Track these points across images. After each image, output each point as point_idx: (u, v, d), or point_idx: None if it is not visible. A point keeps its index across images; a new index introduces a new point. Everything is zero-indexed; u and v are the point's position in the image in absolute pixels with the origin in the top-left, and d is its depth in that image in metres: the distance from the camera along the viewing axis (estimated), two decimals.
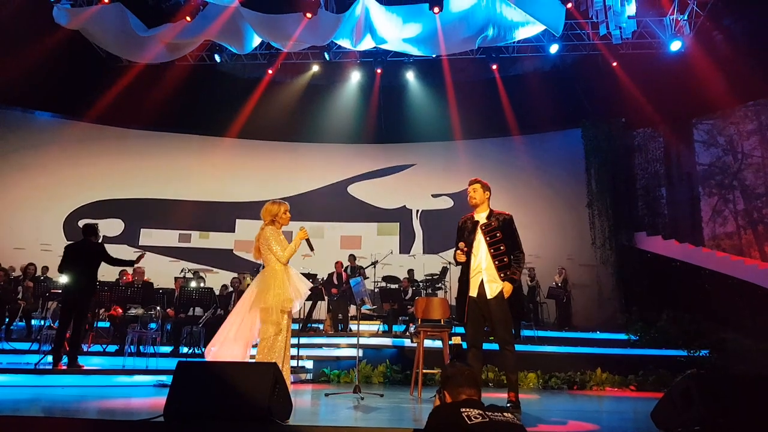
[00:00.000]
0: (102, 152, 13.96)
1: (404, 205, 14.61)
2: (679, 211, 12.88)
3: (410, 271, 12.06)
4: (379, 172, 14.99)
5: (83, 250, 6.90)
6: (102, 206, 13.42)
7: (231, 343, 4.49)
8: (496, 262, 4.55)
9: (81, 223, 12.69)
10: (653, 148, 13.40)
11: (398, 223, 14.53)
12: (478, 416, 2.28)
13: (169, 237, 14.00)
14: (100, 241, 7.20)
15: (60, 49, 11.64)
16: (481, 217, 4.74)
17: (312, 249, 4.85)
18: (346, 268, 11.67)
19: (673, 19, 11.91)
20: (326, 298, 10.73)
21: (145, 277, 9.32)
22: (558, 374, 8.37)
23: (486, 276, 4.57)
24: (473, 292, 4.59)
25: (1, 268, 9.56)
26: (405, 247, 14.32)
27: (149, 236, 13.81)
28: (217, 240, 14.25)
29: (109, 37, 12.21)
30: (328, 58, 13.56)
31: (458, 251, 4.68)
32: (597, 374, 8.39)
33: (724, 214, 12.08)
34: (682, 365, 8.51)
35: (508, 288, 4.47)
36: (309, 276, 11.27)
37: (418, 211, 14.48)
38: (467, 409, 2.34)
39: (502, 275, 4.52)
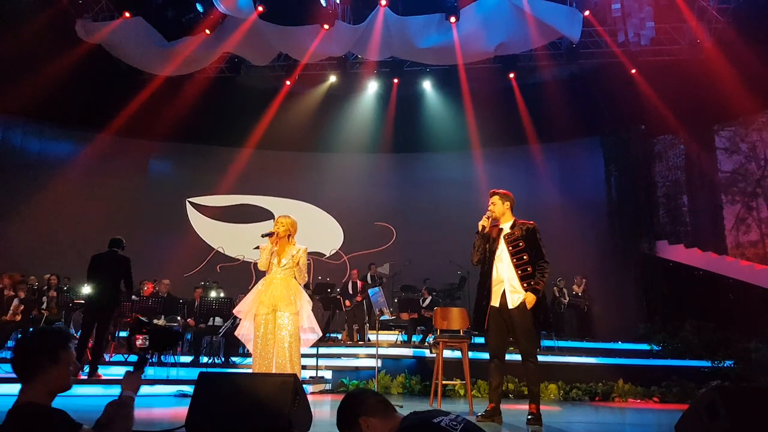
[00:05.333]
0: (123, 164, 14.17)
1: None
2: (701, 219, 12.67)
3: (426, 280, 12.02)
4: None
5: (108, 261, 6.96)
6: (121, 215, 13.52)
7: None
8: (519, 272, 4.52)
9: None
10: (674, 155, 13.23)
11: None
12: (453, 422, 2.07)
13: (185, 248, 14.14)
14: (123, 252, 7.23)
15: (82, 62, 11.85)
16: (505, 226, 4.72)
17: (269, 235, 5.08)
18: (364, 276, 11.69)
19: (692, 25, 11.78)
20: (344, 308, 10.74)
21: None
22: (579, 385, 8.28)
23: (508, 286, 4.53)
24: (495, 301, 4.56)
25: (24, 279, 9.72)
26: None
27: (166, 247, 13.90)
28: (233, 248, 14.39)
29: (131, 50, 12.43)
30: (350, 69, 13.61)
31: (484, 216, 4.72)
32: (619, 385, 8.28)
33: (747, 222, 11.87)
34: (706, 376, 8.37)
35: (530, 299, 4.42)
36: (327, 286, 11.33)
37: None
38: (438, 417, 2.10)
39: (525, 285, 4.48)
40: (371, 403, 2.28)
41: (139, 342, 2.52)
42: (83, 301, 8.10)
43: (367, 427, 2.23)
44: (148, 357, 2.46)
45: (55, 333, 2.21)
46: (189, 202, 14.72)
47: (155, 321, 8.52)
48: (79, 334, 7.28)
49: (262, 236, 5.12)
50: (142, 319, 2.60)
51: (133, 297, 8.57)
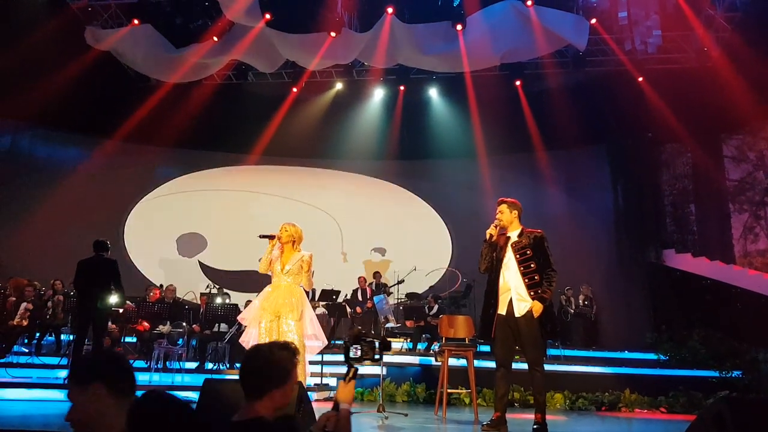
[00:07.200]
0: (130, 170, 14.23)
1: None
2: (708, 227, 12.60)
3: (430, 288, 11.98)
4: None
5: (96, 265, 6.95)
6: (127, 221, 13.55)
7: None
8: (526, 280, 4.51)
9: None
10: (681, 163, 13.17)
11: None
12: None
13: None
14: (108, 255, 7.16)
15: (90, 69, 11.91)
16: (512, 235, 4.72)
17: (267, 237, 5.22)
18: (371, 284, 11.66)
19: (699, 33, 11.75)
20: (350, 315, 10.72)
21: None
22: (585, 395, 8.21)
23: (515, 294, 4.53)
24: (502, 309, 4.55)
25: (31, 284, 9.76)
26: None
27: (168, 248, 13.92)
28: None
29: (139, 57, 12.49)
30: (357, 76, 13.65)
31: (492, 225, 4.72)
32: (626, 395, 8.21)
33: (755, 231, 11.80)
34: (713, 386, 8.30)
35: (537, 307, 4.41)
36: (332, 292, 11.31)
37: None
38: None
39: (532, 293, 4.47)
40: (115, 369, 1.82)
41: (352, 353, 2.57)
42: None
43: (96, 398, 1.74)
44: (357, 368, 2.51)
45: (290, 351, 2.22)
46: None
47: (161, 327, 8.53)
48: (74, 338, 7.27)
49: (260, 237, 5.17)
50: (362, 331, 2.72)
51: (128, 302, 8.39)
